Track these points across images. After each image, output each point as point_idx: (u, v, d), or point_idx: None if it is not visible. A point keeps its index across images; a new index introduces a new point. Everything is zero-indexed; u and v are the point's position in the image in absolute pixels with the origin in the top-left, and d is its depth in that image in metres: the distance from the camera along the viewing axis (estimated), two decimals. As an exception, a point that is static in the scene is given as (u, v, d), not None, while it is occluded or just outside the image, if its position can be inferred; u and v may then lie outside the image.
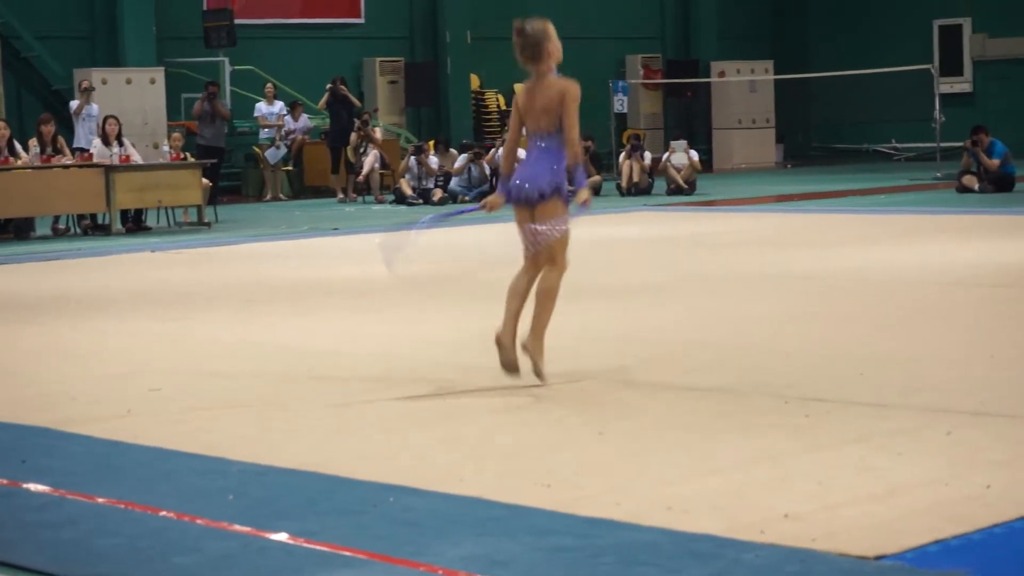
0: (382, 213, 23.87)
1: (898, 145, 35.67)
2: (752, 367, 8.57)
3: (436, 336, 10.24)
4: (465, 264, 15.38)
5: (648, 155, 26.86)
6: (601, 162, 27.53)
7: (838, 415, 7.15)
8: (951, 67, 34.75)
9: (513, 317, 8.24)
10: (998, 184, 23.34)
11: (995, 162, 23.47)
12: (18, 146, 21.25)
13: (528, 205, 8.45)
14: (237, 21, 29.10)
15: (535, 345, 8.14)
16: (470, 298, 12.33)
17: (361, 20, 32.10)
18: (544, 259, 8.45)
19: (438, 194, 25.44)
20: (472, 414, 7.53)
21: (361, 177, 26.66)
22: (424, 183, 25.85)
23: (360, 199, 26.75)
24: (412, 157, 26.08)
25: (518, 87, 8.74)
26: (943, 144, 28.91)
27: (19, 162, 20.80)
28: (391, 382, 8.47)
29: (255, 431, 7.29)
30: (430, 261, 15.89)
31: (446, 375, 8.62)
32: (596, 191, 26.43)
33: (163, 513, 5.75)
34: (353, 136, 26.94)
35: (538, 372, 8.12)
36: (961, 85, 35.33)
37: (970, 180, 23.63)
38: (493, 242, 18.03)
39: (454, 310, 11.63)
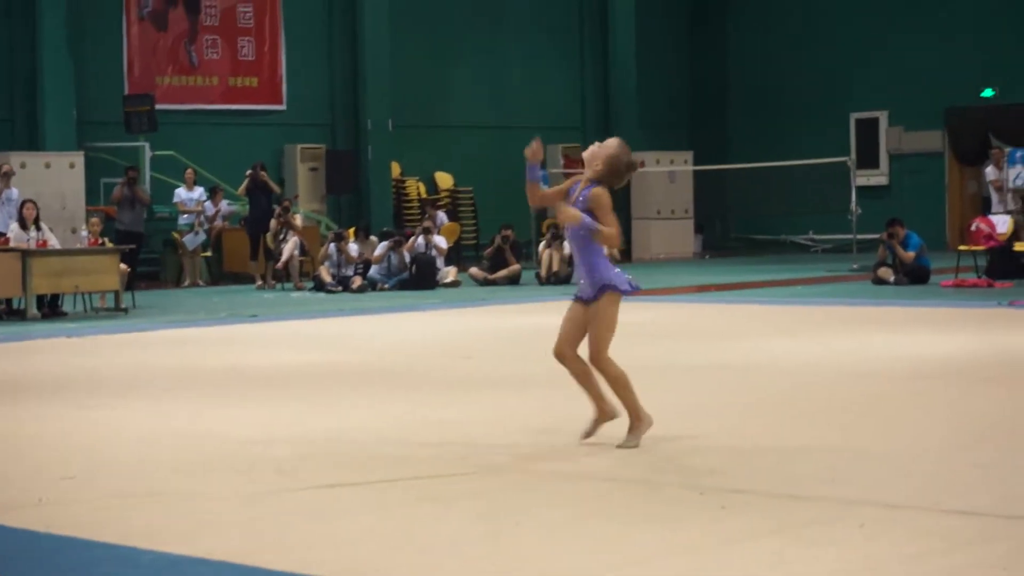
0: (301, 300, 23.82)
1: (815, 237, 36.01)
2: (669, 457, 8.58)
3: (356, 423, 10.19)
4: (386, 353, 15.33)
5: (567, 244, 26.93)
6: (521, 251, 27.61)
7: (755, 506, 7.17)
8: (868, 160, 35.18)
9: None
10: (913, 276, 23.59)
11: (910, 255, 23.72)
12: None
13: None
14: (158, 106, 29.09)
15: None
16: (391, 386, 12.28)
17: (283, 107, 32.17)
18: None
19: (357, 282, 25.41)
20: (392, 505, 7.48)
21: (280, 264, 26.61)
22: (343, 270, 25.82)
23: (279, 286, 26.69)
24: (332, 244, 26.06)
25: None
26: (859, 236, 29.21)
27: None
28: (310, 471, 8.41)
29: (169, 520, 7.21)
30: (353, 350, 15.86)
31: (366, 464, 8.58)
32: (515, 280, 26.52)
33: (74, 604, 5.67)
34: (273, 223, 26.90)
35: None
36: (877, 178, 35.77)
37: (886, 272, 23.87)
38: (416, 330, 18.04)
39: (375, 398, 11.58)
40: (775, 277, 26.18)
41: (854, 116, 36.09)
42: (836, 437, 9.25)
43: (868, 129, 36.09)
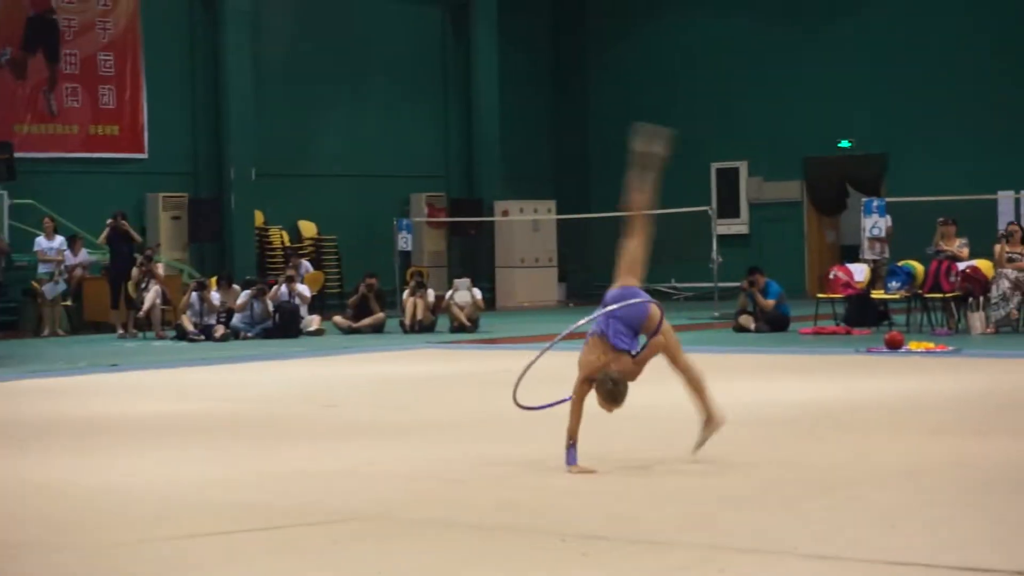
0: (163, 349, 23.60)
1: (677, 285, 36.32)
2: (532, 504, 8.61)
3: (217, 474, 10.11)
4: (249, 401, 15.24)
5: (432, 292, 27.01)
6: (385, 299, 27.59)
7: (616, 552, 7.21)
8: (728, 209, 35.58)
9: None
10: (773, 324, 23.87)
11: (770, 302, 24.01)
12: None
13: None
14: (17, 154, 28.71)
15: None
16: (253, 436, 12.20)
17: (144, 156, 31.88)
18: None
19: (220, 330, 25.23)
20: (245, 556, 7.44)
21: (142, 313, 26.36)
22: (206, 319, 25.64)
23: (141, 335, 26.42)
24: (194, 293, 25.87)
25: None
26: (721, 284, 29.52)
27: None
28: (166, 520, 8.34)
29: (21, 572, 7.12)
30: (215, 399, 15.74)
31: (226, 515, 8.52)
32: (379, 328, 26.47)
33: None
34: (135, 271, 26.66)
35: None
36: (738, 227, 36.18)
37: (746, 320, 24.13)
38: (280, 379, 17.94)
39: (237, 447, 11.49)
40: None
41: (714, 166, 36.50)
42: (695, 483, 9.33)
43: (728, 179, 36.51)
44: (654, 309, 9.89)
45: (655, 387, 11.89)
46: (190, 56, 32.65)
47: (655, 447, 11.03)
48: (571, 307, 34.50)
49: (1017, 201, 29.13)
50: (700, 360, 18.17)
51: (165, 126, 32.07)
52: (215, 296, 26.03)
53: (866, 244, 25.96)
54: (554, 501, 8.73)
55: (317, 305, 29.38)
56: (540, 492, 9.07)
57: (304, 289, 27.10)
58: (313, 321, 26.48)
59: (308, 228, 34.24)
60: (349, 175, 34.89)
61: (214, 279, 27.31)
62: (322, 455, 10.94)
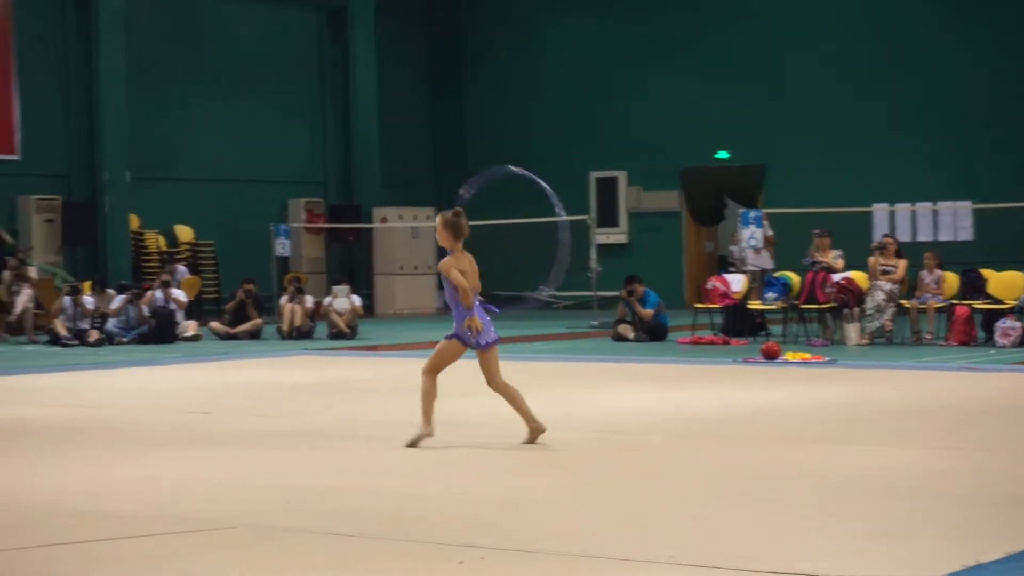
0: (35, 354, 23.25)
1: (556, 294, 36.38)
2: (404, 512, 8.55)
3: (82, 482, 9.94)
4: (123, 407, 15.04)
5: (310, 299, 26.85)
6: (263, 305, 27.39)
7: (491, 561, 7.17)
8: (607, 218, 35.71)
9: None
10: (652, 333, 23.98)
11: (649, 312, 24.12)
12: None
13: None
14: None
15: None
16: (124, 442, 12.04)
17: (16, 156, 31.41)
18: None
19: (94, 335, 24.92)
20: (107, 563, 7.32)
21: (14, 317, 25.96)
22: (79, 324, 25.31)
23: (11, 339, 26.02)
24: (67, 297, 25.53)
25: (449, 261, 11.76)
26: (600, 293, 29.61)
27: None
28: (24, 532, 8.19)
29: None
30: (87, 405, 15.51)
31: (88, 524, 8.37)
32: (257, 335, 26.28)
33: None
34: (7, 274, 26.26)
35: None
36: (617, 236, 36.32)
37: (625, 329, 24.22)
38: (154, 384, 17.73)
39: (106, 454, 11.32)
40: (516, 333, 26.37)
41: (593, 175, 36.61)
42: (565, 492, 9.31)
43: (608, 188, 36.63)
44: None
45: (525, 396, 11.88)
46: (63, 56, 32.21)
47: (513, 454, 10.99)
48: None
49: (891, 214, 29.51)
50: (576, 369, 18.26)
51: (38, 127, 31.62)
52: (89, 300, 25.71)
53: (749, 254, 26.18)
54: (426, 509, 8.67)
55: (194, 310, 29.11)
56: (409, 500, 9.01)
57: (180, 294, 26.83)
58: (189, 326, 26.23)
59: (185, 232, 33.92)
60: (226, 179, 34.62)
61: (88, 283, 26.97)
62: (195, 462, 10.80)
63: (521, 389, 11.68)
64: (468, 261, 11.79)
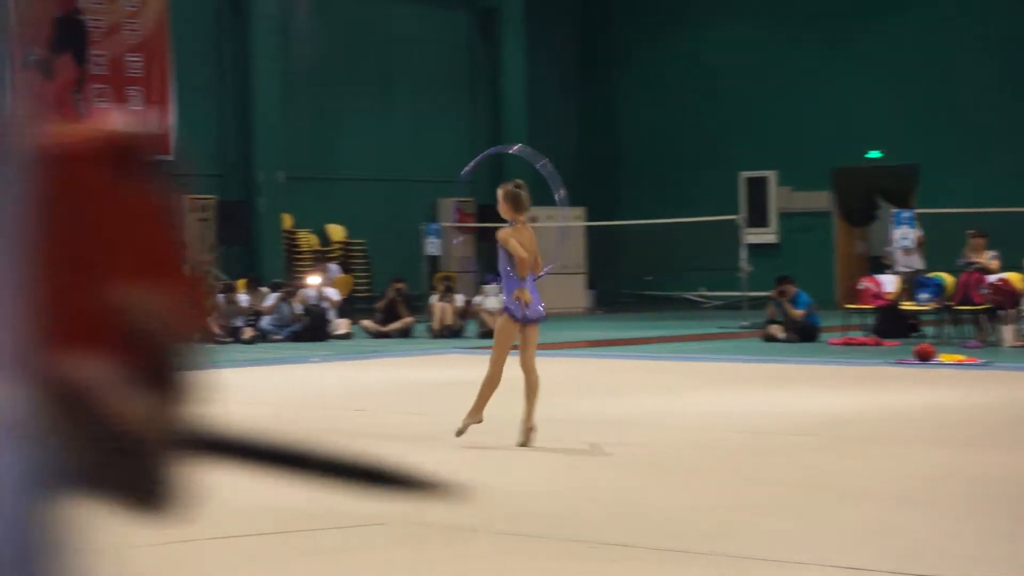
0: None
1: (707, 294, 36.23)
2: (558, 511, 8.57)
3: (239, 479, 10.07)
4: (276, 404, 15.21)
5: (460, 297, 26.99)
6: (413, 304, 27.57)
7: (645, 560, 7.18)
8: (757, 218, 35.49)
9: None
10: (802, 334, 23.79)
11: (800, 312, 23.94)
12: None
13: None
14: None
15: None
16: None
17: (171, 158, 31.80)
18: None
19: (248, 332, 25.26)
20: (269, 559, 7.41)
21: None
22: (233, 321, 25.65)
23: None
24: (221, 295, 25.89)
25: (508, 231, 11.96)
26: (750, 293, 29.44)
27: None
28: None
29: None
30: (242, 402, 15.73)
31: (250, 517, 8.49)
32: (407, 333, 26.47)
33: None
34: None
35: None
36: (767, 236, 36.07)
37: (776, 329, 24.06)
38: (307, 382, 17.93)
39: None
40: (667, 333, 26.30)
41: (743, 175, 36.41)
42: (722, 493, 9.28)
43: (757, 188, 36.42)
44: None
45: (679, 396, 11.86)
46: (218, 58, 32.69)
47: (677, 456, 10.97)
48: (599, 315, 34.43)
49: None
50: (729, 370, 18.18)
51: (193, 128, 32.09)
52: (243, 298, 26.05)
53: (900, 255, 25.86)
54: (578, 507, 8.68)
55: (346, 308, 29.37)
56: (565, 499, 9.03)
57: (332, 292, 27.10)
58: (341, 324, 26.48)
59: (336, 231, 34.25)
60: (378, 179, 34.92)
61: (242, 281, 27.33)
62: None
63: (676, 389, 11.67)
64: (528, 235, 11.94)
